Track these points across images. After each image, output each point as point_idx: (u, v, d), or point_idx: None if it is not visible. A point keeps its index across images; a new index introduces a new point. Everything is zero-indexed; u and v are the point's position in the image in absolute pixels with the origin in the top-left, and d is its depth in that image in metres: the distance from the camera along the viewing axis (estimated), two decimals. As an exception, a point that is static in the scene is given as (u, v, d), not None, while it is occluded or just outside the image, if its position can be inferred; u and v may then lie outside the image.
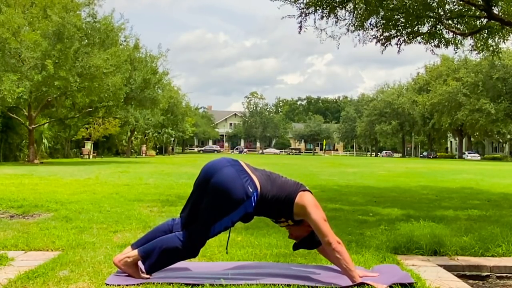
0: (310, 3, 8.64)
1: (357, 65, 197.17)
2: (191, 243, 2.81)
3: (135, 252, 2.86)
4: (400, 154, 79.05)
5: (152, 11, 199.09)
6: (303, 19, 8.90)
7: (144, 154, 50.48)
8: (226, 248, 3.10)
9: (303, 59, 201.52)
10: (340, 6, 8.86)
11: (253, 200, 2.77)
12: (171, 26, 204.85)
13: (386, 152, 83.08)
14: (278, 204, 2.84)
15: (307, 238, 2.93)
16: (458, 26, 9.62)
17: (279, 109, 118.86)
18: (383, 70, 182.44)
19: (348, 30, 9.23)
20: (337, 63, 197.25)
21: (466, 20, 9.28)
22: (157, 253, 2.82)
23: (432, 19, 9.27)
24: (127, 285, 2.65)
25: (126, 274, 2.82)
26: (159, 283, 2.66)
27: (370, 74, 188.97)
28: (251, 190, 2.76)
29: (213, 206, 2.77)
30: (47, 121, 29.82)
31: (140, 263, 2.88)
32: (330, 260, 2.96)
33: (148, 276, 2.82)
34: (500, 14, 8.82)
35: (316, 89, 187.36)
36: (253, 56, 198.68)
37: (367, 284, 2.68)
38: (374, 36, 9.58)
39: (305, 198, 2.83)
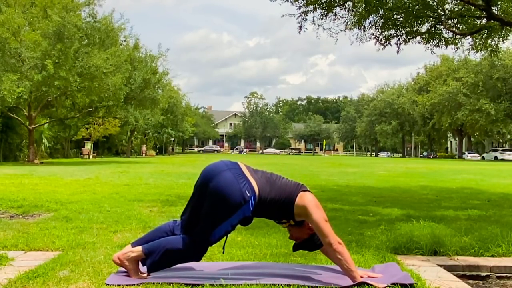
0: (310, 2, 8.63)
1: (359, 65, 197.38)
2: (194, 248, 2.81)
3: (139, 248, 2.86)
4: (400, 154, 79.01)
5: (157, 11, 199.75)
6: (303, 18, 8.91)
7: (144, 154, 50.47)
8: (223, 248, 3.08)
9: (306, 59, 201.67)
10: (340, 4, 8.85)
11: (251, 204, 2.76)
12: (175, 26, 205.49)
13: (372, 153, 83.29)
14: (278, 206, 2.83)
15: (308, 240, 2.94)
16: (458, 26, 9.61)
17: (279, 109, 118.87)
18: (385, 70, 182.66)
19: (346, 27, 9.22)
20: (340, 63, 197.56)
21: (466, 20, 9.28)
22: (160, 252, 2.82)
23: (431, 19, 9.26)
24: (127, 285, 2.65)
25: (126, 274, 2.82)
26: (159, 283, 2.66)
27: (373, 74, 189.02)
28: (248, 195, 2.75)
29: (212, 212, 2.77)
30: (47, 121, 29.83)
31: (140, 266, 2.88)
32: (332, 259, 2.96)
33: (146, 275, 2.82)
34: (500, 14, 8.82)
35: (319, 89, 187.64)
36: (256, 56, 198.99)
37: (367, 284, 2.69)
38: (373, 35, 9.58)
39: (305, 199, 2.83)
